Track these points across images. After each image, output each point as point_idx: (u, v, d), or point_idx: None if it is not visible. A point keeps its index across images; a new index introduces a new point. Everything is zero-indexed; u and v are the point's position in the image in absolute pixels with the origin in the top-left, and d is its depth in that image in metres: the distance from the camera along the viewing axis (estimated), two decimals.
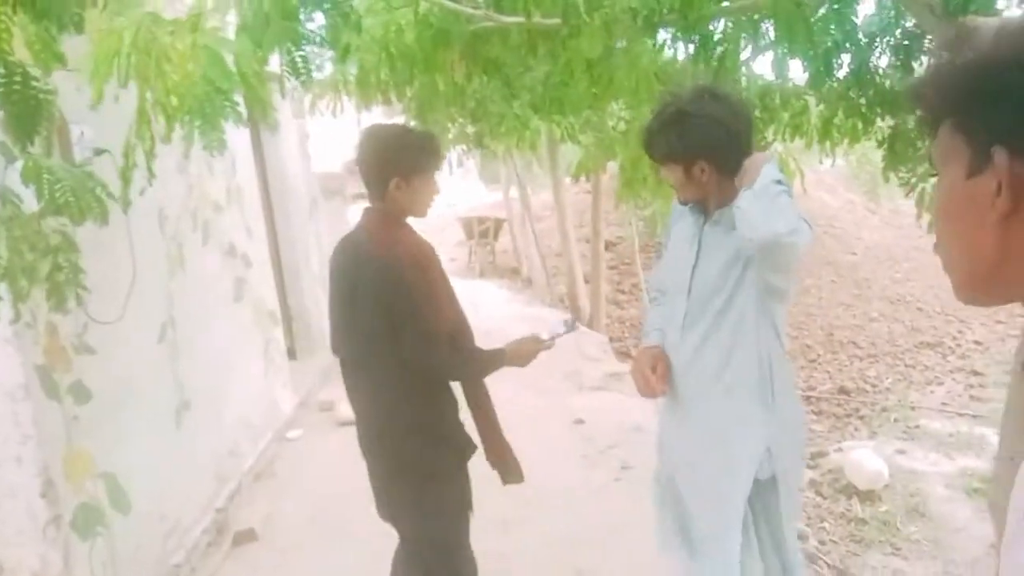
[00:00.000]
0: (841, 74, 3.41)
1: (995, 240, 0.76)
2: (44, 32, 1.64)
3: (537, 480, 4.46)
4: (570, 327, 2.66)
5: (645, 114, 4.17)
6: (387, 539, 2.73)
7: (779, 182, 2.02)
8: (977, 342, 9.85)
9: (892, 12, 3.24)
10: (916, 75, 3.41)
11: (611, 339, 9.74)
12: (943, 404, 7.70)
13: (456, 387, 2.61)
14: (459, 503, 2.57)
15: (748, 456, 2.27)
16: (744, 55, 2.93)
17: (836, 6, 2.67)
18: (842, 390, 8.75)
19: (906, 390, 8.52)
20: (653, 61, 3.06)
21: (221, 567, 3.91)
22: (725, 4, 2.77)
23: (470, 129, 6.88)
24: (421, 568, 2.59)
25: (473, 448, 2.59)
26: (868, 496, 5.66)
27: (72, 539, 2.94)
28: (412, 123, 7.87)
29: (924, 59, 3.32)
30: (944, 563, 4.78)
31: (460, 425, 2.55)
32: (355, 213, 2.84)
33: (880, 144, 3.81)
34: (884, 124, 3.72)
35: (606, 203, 10.44)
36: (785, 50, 3.26)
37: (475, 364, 2.51)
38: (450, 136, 7.24)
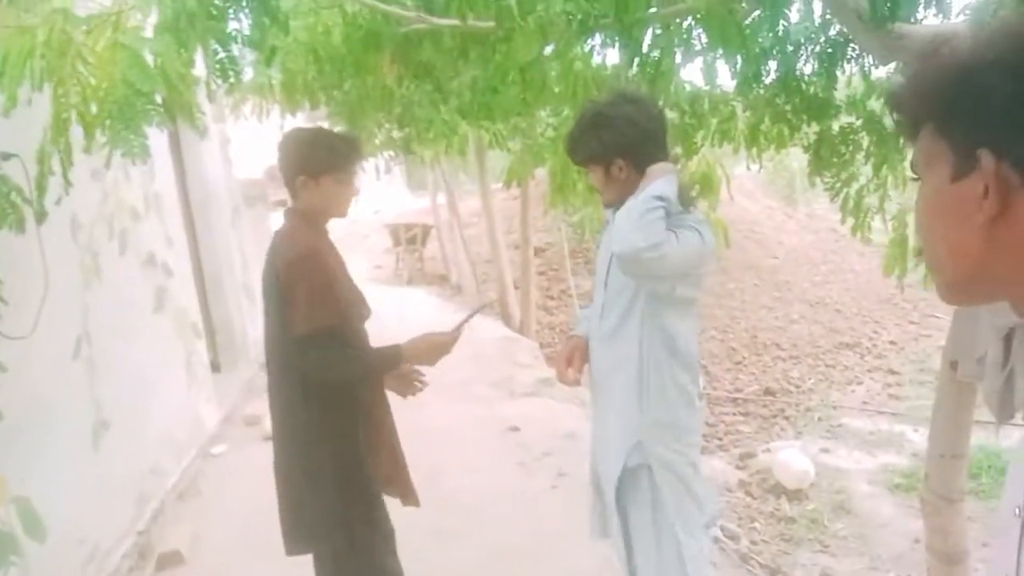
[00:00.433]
0: (768, 81, 3.47)
1: (982, 242, 0.76)
2: None
3: (474, 489, 4.44)
4: (474, 310, 2.71)
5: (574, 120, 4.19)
6: None
7: (660, 198, 2.13)
8: (892, 342, 10.20)
9: (817, 20, 3.31)
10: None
11: (541, 345, 9.75)
12: (863, 403, 7.94)
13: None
14: (365, 515, 2.46)
15: (619, 445, 2.38)
16: (676, 60, 2.93)
17: (768, 12, 2.69)
18: (767, 391, 8.94)
19: (828, 390, 8.76)
20: (588, 65, 3.04)
21: None
22: (655, 11, 2.77)
23: (396, 134, 6.78)
24: None
25: (387, 450, 2.52)
26: (796, 495, 5.79)
27: None
28: (336, 128, 7.75)
29: (847, 66, 3.40)
30: (871, 559, 4.91)
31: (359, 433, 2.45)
32: (277, 220, 2.78)
33: (806, 150, 3.89)
34: (810, 130, 3.79)
35: (534, 209, 10.46)
36: (717, 55, 3.30)
37: (354, 365, 2.39)
38: (377, 141, 7.12)
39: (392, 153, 8.36)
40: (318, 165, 2.39)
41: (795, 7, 3.15)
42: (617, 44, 2.76)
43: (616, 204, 2.40)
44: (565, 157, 4.85)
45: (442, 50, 3.40)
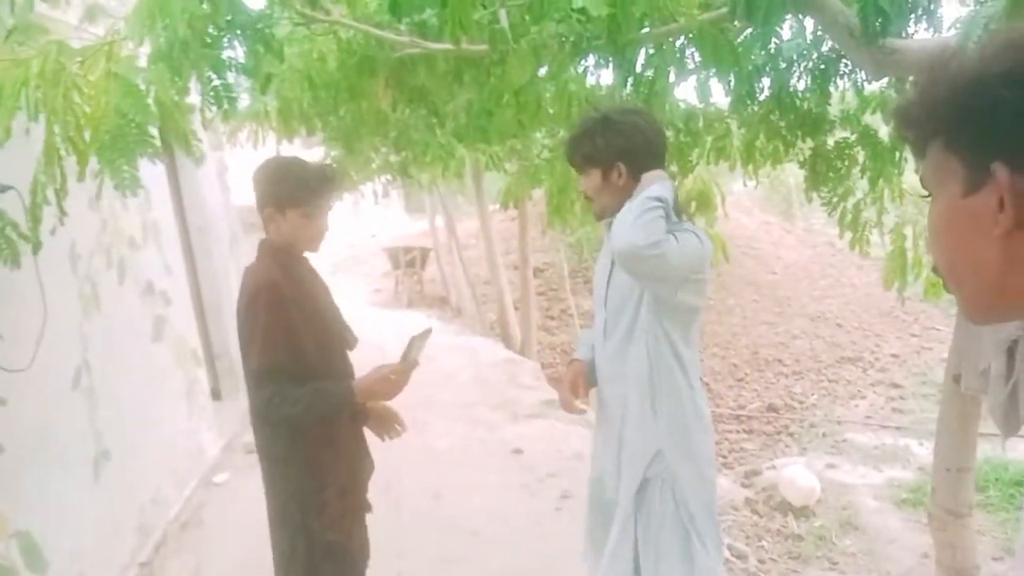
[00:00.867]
0: (762, 98, 3.49)
1: (1000, 255, 0.75)
2: None
3: (478, 512, 4.41)
4: (425, 335, 2.48)
5: None
6: None
7: (656, 199, 2.15)
8: (894, 355, 10.17)
9: (810, 37, 3.33)
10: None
11: (543, 365, 9.73)
12: (867, 417, 7.91)
13: None
14: (336, 550, 2.42)
15: (635, 458, 2.36)
16: (670, 79, 2.94)
17: (760, 30, 2.71)
18: (771, 408, 8.91)
19: (831, 405, 8.73)
20: (582, 86, 3.05)
21: None
22: (648, 31, 2.78)
23: (393, 158, 6.80)
24: None
25: (353, 492, 2.49)
26: (803, 512, 5.75)
27: None
28: (332, 153, 7.77)
29: (840, 82, 3.42)
30: (880, 575, 4.86)
31: (332, 464, 2.40)
32: None
33: (801, 165, 3.90)
34: (805, 146, 3.81)
35: (532, 230, 10.48)
36: (710, 74, 3.32)
37: (303, 404, 2.23)
38: (374, 166, 7.15)
39: (389, 177, 8.40)
40: (284, 198, 2.32)
41: (787, 24, 3.19)
42: (611, 65, 2.78)
43: (607, 214, 2.41)
44: (562, 178, 4.90)
45: (436, 74, 3.43)
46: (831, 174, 3.71)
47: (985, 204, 0.73)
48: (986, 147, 0.73)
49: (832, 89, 3.42)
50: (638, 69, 2.85)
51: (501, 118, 4.57)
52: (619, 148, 2.32)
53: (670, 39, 2.78)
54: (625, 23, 2.55)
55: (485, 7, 2.71)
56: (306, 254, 2.49)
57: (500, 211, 11.09)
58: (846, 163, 3.71)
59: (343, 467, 2.45)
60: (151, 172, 3.65)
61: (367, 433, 2.65)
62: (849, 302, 12.09)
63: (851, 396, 9.05)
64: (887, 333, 11.01)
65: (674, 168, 4.11)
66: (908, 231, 3.85)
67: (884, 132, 3.64)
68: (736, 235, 13.30)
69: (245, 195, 8.21)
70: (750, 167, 4.17)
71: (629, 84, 2.79)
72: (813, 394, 9.31)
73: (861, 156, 3.73)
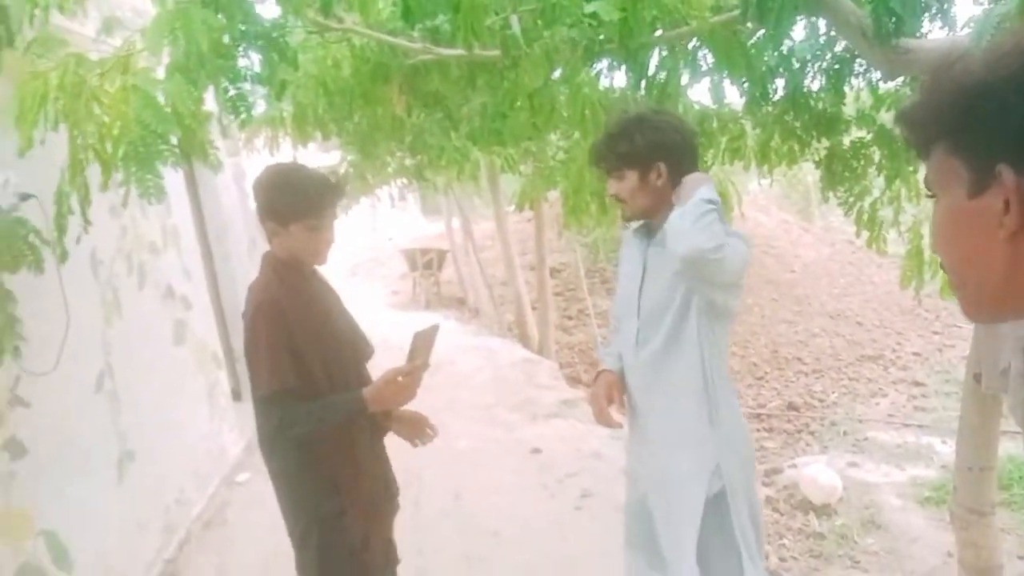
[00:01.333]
0: (776, 98, 3.49)
1: (1005, 256, 0.76)
2: None
3: (498, 512, 4.43)
4: (430, 332, 2.35)
5: (584, 142, 4.21)
6: None
7: (710, 201, 2.09)
8: (916, 353, 10.09)
9: (823, 37, 3.32)
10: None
11: (561, 365, 9.74)
12: (889, 416, 7.85)
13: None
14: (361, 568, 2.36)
15: (699, 474, 2.27)
16: (683, 81, 2.95)
17: (772, 31, 2.71)
18: (791, 406, 8.86)
19: (852, 403, 8.67)
20: (595, 89, 3.06)
21: None
22: (660, 34, 2.79)
23: (409, 162, 6.84)
24: None
25: (375, 512, 2.43)
26: (824, 510, 5.72)
27: None
28: (348, 158, 7.81)
29: (855, 81, 3.41)
30: (903, 574, 4.84)
31: (338, 481, 2.30)
32: None
33: (817, 165, 3.89)
34: (820, 145, 3.79)
35: (548, 231, 10.48)
36: (723, 76, 3.32)
37: (315, 421, 2.18)
38: (390, 170, 7.19)
39: (405, 181, 8.44)
40: (287, 212, 2.22)
41: (800, 25, 3.18)
42: (623, 68, 2.79)
43: (639, 217, 2.37)
44: (577, 179, 4.90)
45: (450, 79, 3.45)
46: (847, 174, 3.69)
47: (990, 206, 0.74)
48: (991, 150, 0.74)
49: (847, 89, 3.42)
50: (650, 72, 2.86)
51: (515, 121, 4.59)
52: (660, 146, 2.26)
53: (682, 42, 2.79)
54: (636, 27, 2.56)
55: (497, 13, 2.73)
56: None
57: (516, 212, 11.14)
58: (862, 163, 3.69)
59: (365, 485, 2.37)
60: (170, 179, 3.68)
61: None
62: (869, 300, 12.00)
63: (872, 394, 8.98)
64: (908, 331, 10.92)
65: None
66: (925, 230, 3.83)
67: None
68: (754, 234, 13.23)
69: None
70: (765, 167, 4.16)
71: (642, 87, 2.79)
72: (834, 392, 9.25)
73: (877, 155, 3.71)
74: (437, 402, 4.94)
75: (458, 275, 14.59)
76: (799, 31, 3.39)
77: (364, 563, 2.36)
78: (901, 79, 3.32)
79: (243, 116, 2.19)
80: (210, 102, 2.53)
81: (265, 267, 2.33)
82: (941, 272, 3.95)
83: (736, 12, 2.59)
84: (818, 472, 6.01)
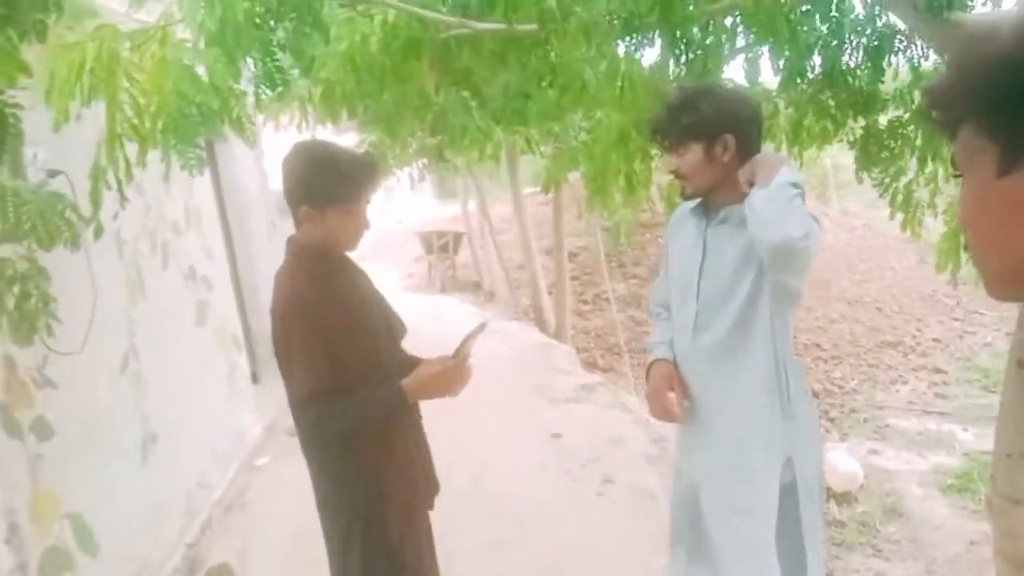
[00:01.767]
0: (812, 75, 3.41)
1: None
2: (6, 42, 1.50)
3: (520, 497, 4.39)
4: (474, 331, 2.29)
5: (613, 121, 4.14)
6: None
7: (795, 185, 1.95)
8: (936, 340, 10.00)
9: (862, 13, 3.25)
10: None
11: (577, 351, 9.69)
12: (909, 403, 7.79)
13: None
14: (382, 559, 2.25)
15: (770, 467, 2.16)
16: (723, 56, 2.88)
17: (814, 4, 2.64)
18: (811, 392, 8.79)
19: (872, 390, 8.60)
20: (634, 66, 2.95)
21: None
22: (701, 7, 2.72)
23: (430, 141, 6.77)
24: None
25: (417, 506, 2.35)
26: (845, 498, 5.67)
27: None
28: (369, 139, 7.75)
29: (895, 59, 3.33)
30: (926, 562, 4.79)
31: (380, 476, 2.21)
32: None
33: (852, 145, 3.81)
34: (856, 125, 3.71)
35: (566, 214, 10.42)
36: (760, 52, 3.24)
37: (353, 417, 2.11)
38: (411, 150, 7.13)
39: (425, 161, 8.37)
40: (324, 195, 2.08)
41: None
42: (660, 43, 2.72)
43: (701, 194, 2.22)
44: (603, 159, 4.83)
45: (481, 55, 3.38)
46: (884, 154, 3.60)
47: (1018, 186, 0.74)
48: (1021, 129, 0.73)
49: (885, 66, 3.34)
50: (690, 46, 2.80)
51: (542, 100, 4.53)
52: (727, 117, 2.11)
53: (723, 15, 2.72)
54: (678, 0, 2.50)
55: None
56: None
57: (533, 195, 11.06)
58: (899, 142, 3.60)
59: (407, 480, 2.28)
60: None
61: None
62: (889, 285, 11.89)
63: (892, 381, 8.90)
64: (928, 317, 10.82)
65: None
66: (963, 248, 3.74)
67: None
68: None
69: (277, 181, 8.21)
70: (795, 149, 4.08)
71: (681, 62, 2.72)
72: (853, 379, 9.17)
73: (914, 135, 3.63)
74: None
75: (474, 258, 14.54)
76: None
77: (404, 560, 2.28)
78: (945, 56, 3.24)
79: (280, 89, 2.13)
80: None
81: (291, 256, 2.19)
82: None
83: None
84: (839, 459, 5.96)
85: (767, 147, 4.31)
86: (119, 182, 1.93)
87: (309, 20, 2.18)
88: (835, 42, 3.26)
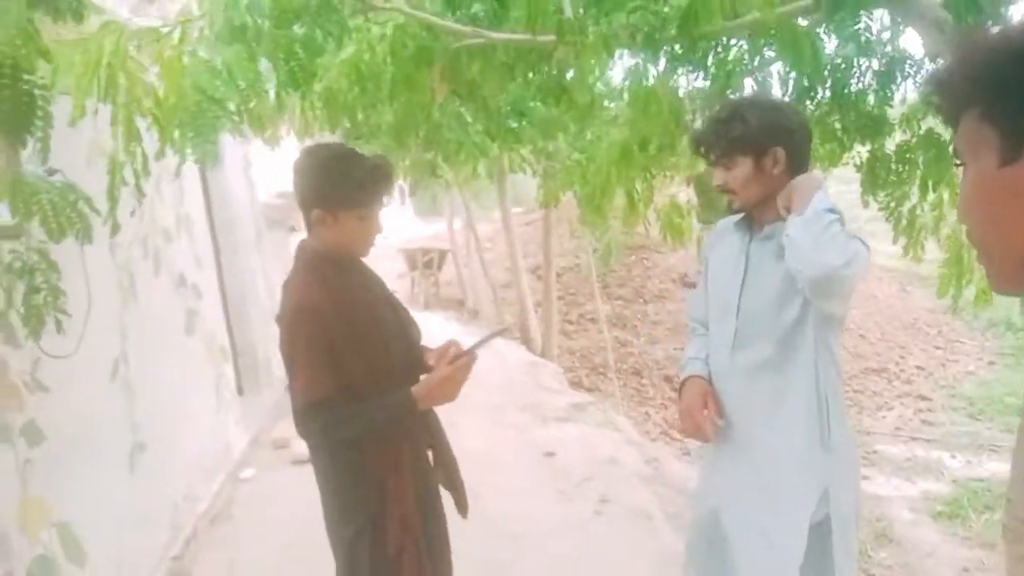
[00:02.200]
0: (820, 98, 3.41)
1: None
2: (28, 24, 1.44)
3: (517, 516, 4.32)
4: (491, 334, 2.27)
5: (612, 139, 4.11)
6: None
7: (833, 210, 1.88)
8: (919, 367, 10.05)
9: (871, 36, 3.25)
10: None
11: (563, 370, 9.64)
12: (896, 429, 7.80)
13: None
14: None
15: (803, 498, 2.06)
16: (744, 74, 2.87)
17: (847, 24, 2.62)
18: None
19: (858, 416, 8.60)
20: (661, 82, 2.88)
21: None
22: (721, 24, 2.70)
23: (427, 156, 6.72)
24: None
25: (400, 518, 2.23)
26: None
27: None
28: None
29: (904, 84, 3.33)
30: None
31: (388, 483, 2.16)
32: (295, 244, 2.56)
33: (858, 169, 3.81)
34: (863, 149, 3.71)
35: (554, 233, 10.40)
36: (767, 73, 3.23)
37: (356, 425, 2.08)
38: (405, 163, 7.06)
39: (414, 177, 8.29)
40: (339, 198, 2.05)
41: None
42: (686, 59, 2.69)
43: (751, 209, 2.14)
44: (603, 177, 4.80)
45: (492, 67, 3.34)
46: (892, 178, 3.60)
47: (1020, 175, 0.74)
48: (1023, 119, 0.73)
49: (894, 90, 3.34)
50: (709, 63, 2.78)
51: (538, 117, 4.51)
52: (778, 129, 2.04)
53: (746, 32, 2.70)
54: (704, 14, 2.47)
55: None
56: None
57: (516, 215, 11.03)
58: (906, 167, 3.61)
59: (415, 487, 2.21)
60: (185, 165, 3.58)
61: None
62: (871, 313, 11.96)
63: (878, 407, 8.92)
64: (910, 344, 10.89)
65: None
66: (965, 238, 3.75)
67: (950, 135, 3.54)
68: None
69: (264, 191, 8.04)
70: None
71: (704, 78, 2.70)
72: None
73: (921, 160, 3.63)
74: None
75: (458, 276, 14.48)
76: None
77: (414, 566, 2.21)
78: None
79: (303, 90, 2.08)
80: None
81: (302, 263, 2.15)
82: (978, 280, 3.88)
83: (803, 2, 2.52)
84: None
85: None
86: (137, 177, 1.87)
87: (335, 20, 2.12)
88: (844, 65, 3.27)
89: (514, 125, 4.72)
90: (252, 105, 2.04)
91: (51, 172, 2.80)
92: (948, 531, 5.44)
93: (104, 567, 3.20)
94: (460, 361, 2.12)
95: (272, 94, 2.20)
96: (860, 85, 3.39)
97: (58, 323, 1.88)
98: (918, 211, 3.81)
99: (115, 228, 2.00)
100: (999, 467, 6.55)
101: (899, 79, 3.29)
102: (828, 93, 3.38)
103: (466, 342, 2.27)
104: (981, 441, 7.16)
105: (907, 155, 3.60)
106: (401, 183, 7.84)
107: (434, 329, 11.06)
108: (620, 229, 8.15)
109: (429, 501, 2.33)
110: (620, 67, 3.51)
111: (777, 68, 3.14)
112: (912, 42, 3.14)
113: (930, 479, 6.36)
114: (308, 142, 6.08)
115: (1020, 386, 8.50)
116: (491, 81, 3.59)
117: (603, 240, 10.05)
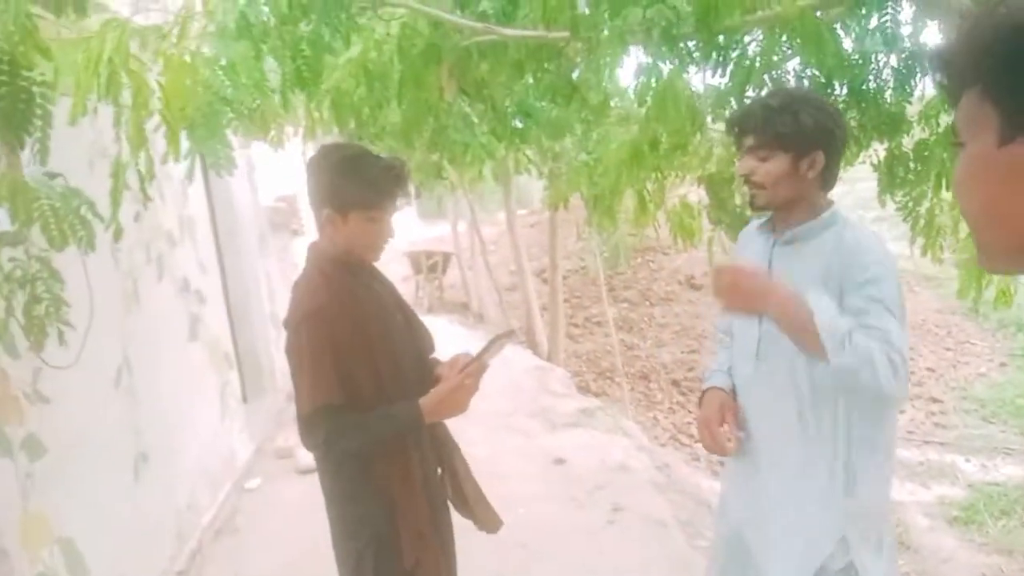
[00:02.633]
0: (837, 94, 3.33)
1: None
2: (26, 20, 1.36)
3: (529, 524, 4.23)
4: (494, 340, 2.15)
5: (622, 139, 4.03)
6: None
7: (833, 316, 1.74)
8: (930, 369, 9.92)
9: (892, 30, 3.17)
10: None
11: (570, 374, 9.54)
12: (909, 432, 7.69)
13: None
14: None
15: (816, 538, 1.93)
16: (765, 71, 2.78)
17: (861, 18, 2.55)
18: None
19: None
20: (676, 80, 2.77)
21: None
22: (743, 17, 2.62)
23: (434, 158, 6.64)
24: None
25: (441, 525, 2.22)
26: None
27: None
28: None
29: (923, 80, 3.25)
30: None
31: (395, 498, 2.09)
32: (299, 248, 2.50)
33: (875, 168, 3.72)
34: (880, 147, 3.63)
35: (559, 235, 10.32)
36: (784, 69, 3.15)
37: (360, 436, 2.02)
38: (413, 164, 6.99)
39: (421, 179, 8.22)
40: (348, 198, 1.99)
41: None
42: (706, 54, 2.61)
43: (776, 208, 2.02)
44: (613, 178, 4.72)
45: (502, 65, 3.26)
46: (910, 177, 3.52)
47: (1019, 155, 0.73)
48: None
49: (913, 84, 3.26)
50: (727, 59, 2.69)
51: (545, 118, 4.42)
52: (824, 132, 1.91)
53: (766, 27, 2.62)
54: (724, 8, 2.40)
55: None
56: None
57: (521, 217, 10.94)
58: (924, 166, 3.52)
59: (423, 502, 2.14)
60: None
61: None
62: None
63: None
64: (920, 346, 10.75)
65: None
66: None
67: None
68: None
69: (267, 194, 7.93)
70: None
71: (724, 73, 2.62)
72: None
73: (939, 158, 3.55)
74: None
75: (462, 279, 14.40)
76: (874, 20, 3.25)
77: None
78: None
79: (311, 88, 2.00)
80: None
81: (311, 265, 2.10)
82: (998, 280, 3.79)
83: None
84: None
85: None
86: (141, 180, 1.79)
87: (343, 17, 2.05)
88: (861, 60, 3.19)
89: (520, 125, 4.64)
90: (257, 104, 1.95)
91: (52, 176, 2.74)
92: (965, 537, 5.34)
93: None
94: (469, 368, 2.04)
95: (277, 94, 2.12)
96: (878, 81, 3.32)
97: (60, 335, 1.80)
98: (936, 211, 3.73)
99: (118, 233, 1.92)
100: (1015, 471, 6.45)
101: (919, 74, 3.21)
102: (845, 89, 3.31)
103: (471, 346, 2.20)
104: (995, 444, 7.06)
105: (925, 153, 3.52)
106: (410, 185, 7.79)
107: (438, 333, 10.94)
108: (628, 231, 8.06)
109: (439, 515, 2.26)
110: (628, 66, 3.43)
111: (793, 64, 3.07)
112: (932, 37, 3.06)
113: (945, 483, 6.27)
114: (313, 144, 6.03)
115: None
116: (500, 79, 3.52)
117: (610, 242, 9.96)
